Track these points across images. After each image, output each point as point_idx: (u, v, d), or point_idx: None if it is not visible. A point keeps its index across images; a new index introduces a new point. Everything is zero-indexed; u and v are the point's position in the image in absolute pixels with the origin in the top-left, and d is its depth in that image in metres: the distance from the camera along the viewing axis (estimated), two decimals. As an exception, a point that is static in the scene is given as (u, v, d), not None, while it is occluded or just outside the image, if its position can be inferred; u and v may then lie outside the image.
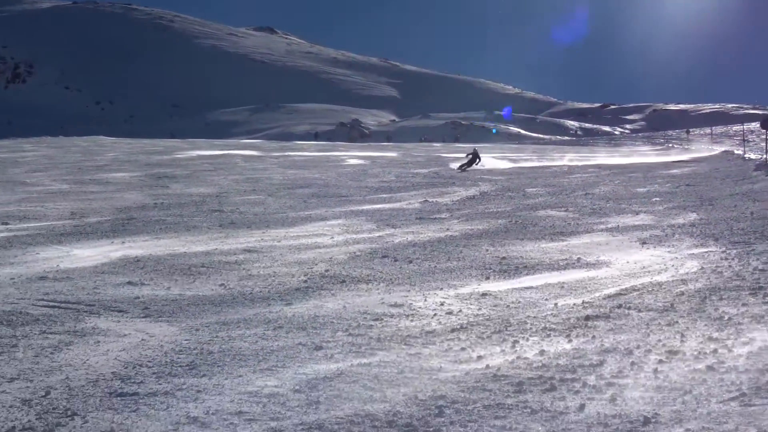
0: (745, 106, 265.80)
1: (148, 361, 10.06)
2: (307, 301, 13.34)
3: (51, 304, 13.45)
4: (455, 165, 53.11)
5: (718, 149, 74.36)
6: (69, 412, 8.36)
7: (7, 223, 24.07)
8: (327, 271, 15.76)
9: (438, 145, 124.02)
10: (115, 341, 11.14)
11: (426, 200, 30.43)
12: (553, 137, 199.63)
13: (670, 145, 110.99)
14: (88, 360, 10.22)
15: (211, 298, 13.77)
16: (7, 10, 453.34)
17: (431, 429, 7.55)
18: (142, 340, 11.13)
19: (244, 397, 8.63)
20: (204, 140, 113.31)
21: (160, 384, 9.19)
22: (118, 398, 8.74)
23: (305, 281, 14.91)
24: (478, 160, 52.97)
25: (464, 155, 53.64)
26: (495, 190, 35.06)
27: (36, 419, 8.18)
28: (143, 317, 12.48)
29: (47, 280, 15.37)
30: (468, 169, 51.29)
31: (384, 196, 32.74)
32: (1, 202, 31.04)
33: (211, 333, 11.43)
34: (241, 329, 11.56)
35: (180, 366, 9.85)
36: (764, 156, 44.30)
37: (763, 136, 54.15)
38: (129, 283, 14.97)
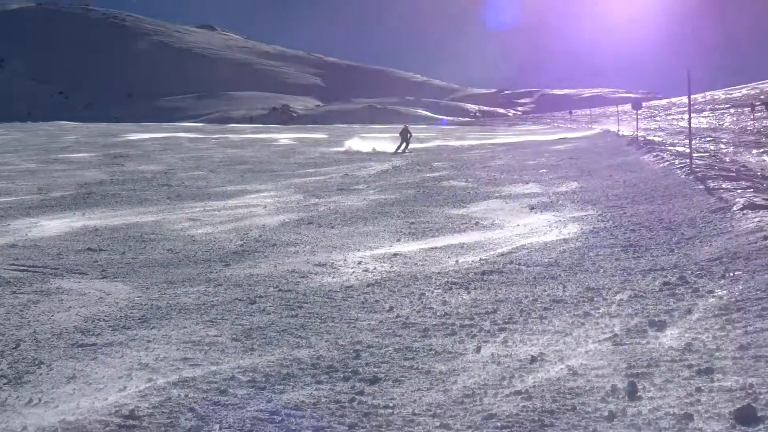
0: (620, 91, 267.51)
1: (105, 316, 10.02)
2: (243, 262, 13.34)
3: (20, 268, 13.37)
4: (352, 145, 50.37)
5: (597, 128, 74.88)
6: (36, 362, 8.32)
7: (-20, 199, 23.87)
8: (260, 236, 15.76)
9: (357, 126, 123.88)
10: (76, 299, 11.08)
11: (346, 174, 30.43)
12: (456, 118, 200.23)
13: (556, 124, 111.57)
14: (53, 316, 10.16)
15: (160, 260, 13.73)
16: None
17: (349, 369, 7.58)
18: (100, 298, 11.09)
19: (188, 345, 8.62)
20: (154, 124, 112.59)
21: (115, 336, 9.16)
22: (79, 348, 8.71)
23: (241, 245, 14.90)
24: (409, 136, 48.69)
25: (383, 136, 49.08)
26: (405, 164, 35.12)
27: (8, 368, 8.13)
28: (101, 278, 12.42)
29: (17, 248, 15.27)
30: (406, 150, 46.90)
31: (310, 170, 32.75)
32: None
33: (160, 291, 11.39)
34: (186, 287, 11.55)
35: (133, 320, 9.82)
36: (635, 133, 44.69)
37: (635, 116, 54.65)
38: (89, 249, 14.90)
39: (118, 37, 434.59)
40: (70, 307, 10.64)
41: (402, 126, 53.03)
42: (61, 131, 74.89)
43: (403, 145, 48.41)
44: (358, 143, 51.61)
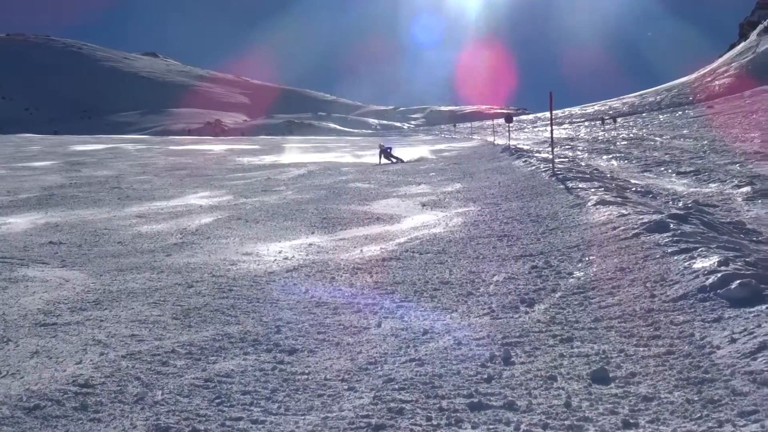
0: (495, 107, 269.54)
1: (65, 300, 9.87)
2: (182, 252, 13.21)
3: (-9, 259, 13.15)
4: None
5: (477, 138, 75.47)
6: (5, 339, 8.16)
7: (-43, 200, 23.46)
8: (197, 230, 15.62)
9: (278, 137, 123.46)
10: (39, 285, 10.91)
11: (269, 177, 30.30)
12: (360, 131, 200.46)
13: (443, 135, 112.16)
14: (19, 300, 9.98)
15: (112, 252, 13.55)
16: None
17: (272, 342, 7.55)
18: (60, 284, 10.92)
19: (135, 324, 8.52)
20: (106, 136, 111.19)
21: (73, 316, 9.03)
22: (42, 327, 8.57)
23: (181, 238, 14.76)
24: (390, 150, 41.30)
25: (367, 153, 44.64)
26: (318, 169, 35.02)
27: (-21, 345, 8.00)
28: (61, 267, 12.23)
29: (-12, 242, 15.02)
30: (389, 161, 40.14)
31: (239, 175, 32.55)
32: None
33: (111, 277, 11.25)
34: (134, 274, 11.41)
35: (88, 302, 9.68)
36: (507, 142, 45.11)
37: (507, 128, 55.19)
38: (50, 242, 14.66)
39: (75, 62, 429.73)
40: (34, 292, 10.47)
41: (378, 146, 44.25)
42: (26, 143, 73.64)
43: (390, 159, 41.24)
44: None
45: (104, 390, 6.54)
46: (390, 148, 42.54)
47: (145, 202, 21.54)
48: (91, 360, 7.33)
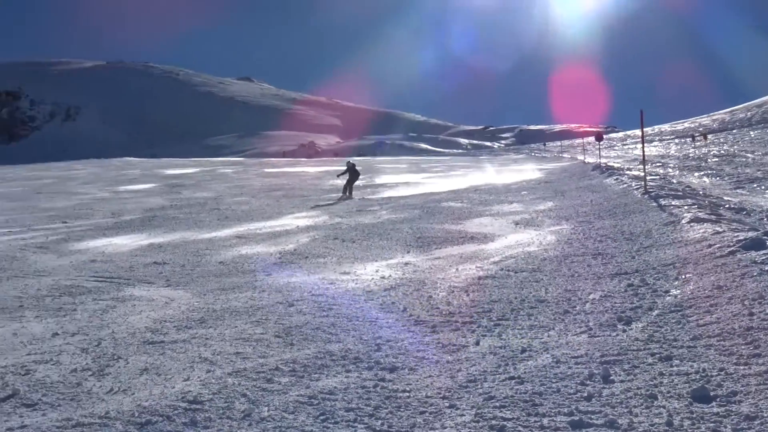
0: (584, 126, 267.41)
1: (171, 318, 10.03)
2: (282, 272, 13.33)
3: (99, 279, 13.39)
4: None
5: (567, 156, 74.97)
6: (115, 357, 8.33)
7: (66, 222, 23.96)
8: (295, 250, 15.75)
9: (369, 158, 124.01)
10: (146, 304, 11.10)
11: (363, 198, 30.45)
12: (450, 151, 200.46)
13: (533, 154, 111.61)
14: (127, 319, 10.17)
15: (214, 271, 13.73)
16: (59, 69, 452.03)
17: (372, 360, 7.58)
18: (166, 303, 11.10)
19: (239, 342, 8.62)
20: (204, 159, 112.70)
21: (179, 334, 9.17)
22: (150, 345, 8.72)
23: (280, 258, 14.89)
24: (356, 177, 33.54)
25: (340, 175, 35.19)
26: (405, 187, 35.06)
27: (92, 362, 8.15)
28: (166, 286, 12.44)
29: (96, 262, 15.31)
30: (348, 194, 32.16)
31: (333, 195, 32.77)
32: (62, 206, 30.85)
33: (214, 296, 11.40)
34: (236, 293, 11.54)
35: (193, 321, 9.82)
36: (598, 160, 44.71)
37: (597, 147, 54.70)
38: (155, 262, 14.92)
39: (173, 88, 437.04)
40: (141, 311, 10.66)
41: (346, 163, 35.87)
42: (128, 166, 75.10)
43: (347, 184, 33.27)
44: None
45: (212, 406, 6.63)
46: (357, 175, 34.40)
47: (244, 222, 21.78)
48: (198, 377, 7.44)
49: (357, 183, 34.04)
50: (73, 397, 7.14)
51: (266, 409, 6.51)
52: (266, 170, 61.44)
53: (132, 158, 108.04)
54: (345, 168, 34.42)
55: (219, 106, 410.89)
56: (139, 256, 16.02)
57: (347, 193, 32.65)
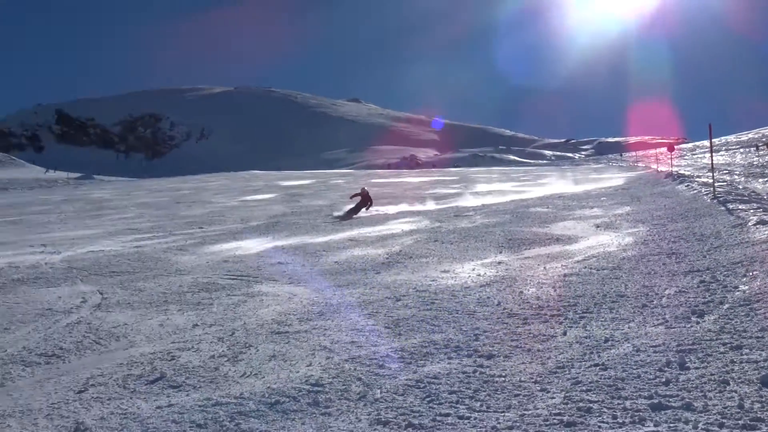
0: (657, 137, 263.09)
1: (294, 311, 10.15)
2: (389, 270, 13.37)
3: (232, 277, 13.61)
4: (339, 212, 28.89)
5: (642, 165, 73.81)
6: (247, 345, 8.47)
7: (201, 227, 24.41)
8: (401, 251, 15.78)
9: (464, 169, 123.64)
10: (272, 299, 11.25)
11: (458, 205, 30.36)
12: (536, 161, 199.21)
13: (610, 164, 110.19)
14: (257, 312, 10.32)
15: (330, 270, 13.84)
16: (194, 94, 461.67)
17: (471, 348, 7.59)
18: (289, 297, 11.23)
19: (354, 332, 8.70)
20: (319, 171, 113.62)
21: (301, 325, 9.28)
22: (276, 335, 8.84)
23: (387, 258, 14.93)
24: (369, 203, 28.82)
25: (353, 197, 30.14)
26: (495, 195, 34.85)
27: (227, 350, 8.30)
28: (289, 283, 12.57)
29: (229, 262, 15.55)
30: (356, 215, 27.43)
31: (433, 201, 32.75)
32: (198, 214, 31.42)
33: (331, 292, 11.49)
34: (350, 289, 11.63)
35: (314, 314, 9.93)
36: (670, 169, 44.03)
37: (669, 156, 53.84)
38: (279, 262, 15.10)
39: (292, 109, 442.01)
40: (269, 305, 10.81)
41: (361, 189, 30.65)
42: (253, 178, 76.05)
43: (358, 209, 28.24)
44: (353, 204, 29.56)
45: (332, 388, 6.71)
46: (370, 201, 29.07)
47: (355, 227, 21.88)
48: (319, 363, 7.53)
49: (363, 211, 27.85)
50: (212, 380, 7.28)
51: (379, 391, 6.56)
52: (374, 180, 61.69)
53: (257, 171, 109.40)
54: (359, 192, 29.39)
55: (332, 124, 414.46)
56: (265, 257, 16.24)
57: (350, 214, 27.11)
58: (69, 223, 28.99)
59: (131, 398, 6.97)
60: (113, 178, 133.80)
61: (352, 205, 28.24)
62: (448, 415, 5.92)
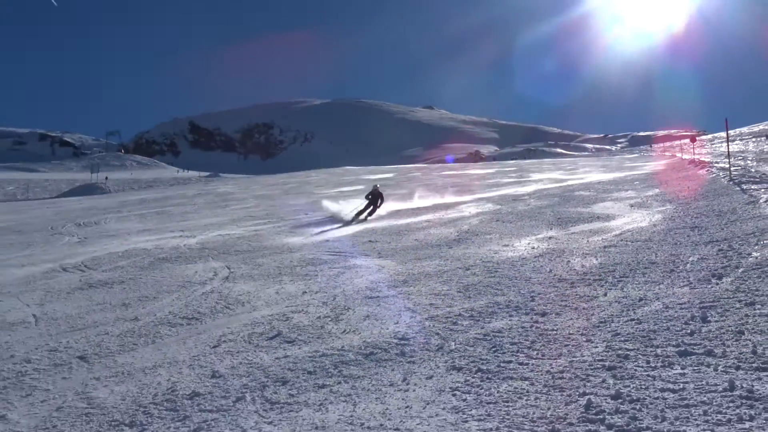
0: (681, 131, 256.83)
1: (383, 280, 10.22)
2: (459, 245, 13.33)
3: (332, 253, 13.74)
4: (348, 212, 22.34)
5: (668, 155, 72.21)
6: (346, 307, 8.58)
7: (306, 214, 24.60)
8: (468, 230, 15.71)
9: (519, 161, 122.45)
10: (365, 270, 11.34)
11: (516, 191, 30.08)
12: (579, 153, 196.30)
13: (641, 154, 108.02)
14: (353, 281, 10.43)
15: (411, 246, 13.85)
16: (299, 106, 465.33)
17: (528, 308, 7.58)
18: (379, 269, 11.31)
19: (432, 296, 8.74)
20: (400, 166, 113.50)
21: (389, 291, 9.35)
22: (369, 299, 8.93)
23: (458, 235, 14.88)
24: (380, 201, 22.67)
25: (367, 196, 22.91)
26: (546, 182, 34.46)
27: (330, 312, 8.42)
28: (378, 258, 12.64)
29: (329, 242, 15.70)
30: (368, 217, 21.58)
31: (494, 188, 32.48)
32: (303, 203, 31.69)
33: (412, 264, 11.53)
34: (428, 261, 11.65)
35: (398, 282, 9.99)
36: (693, 157, 43.05)
37: (692, 146, 52.66)
38: (370, 241, 15.16)
39: (378, 116, 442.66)
40: (362, 275, 10.90)
41: (372, 187, 23.58)
42: (346, 173, 76.39)
43: (368, 209, 22.16)
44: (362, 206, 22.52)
45: (415, 342, 6.77)
46: (380, 198, 22.45)
47: (431, 212, 21.82)
48: (404, 321, 7.60)
49: (380, 211, 22.13)
50: (319, 336, 7.40)
51: (453, 343, 6.60)
52: (444, 173, 61.42)
53: (349, 167, 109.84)
54: (371, 191, 22.51)
55: (410, 127, 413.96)
56: (358, 236, 16.33)
57: (364, 216, 21.22)
58: (201, 213, 29.56)
59: (255, 351, 7.14)
60: (235, 175, 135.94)
61: (361, 207, 21.75)
62: (510, 362, 5.94)
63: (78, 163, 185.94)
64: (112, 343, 8.12)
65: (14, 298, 11.57)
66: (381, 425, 5.00)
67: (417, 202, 26.47)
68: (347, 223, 19.94)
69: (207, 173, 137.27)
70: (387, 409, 5.28)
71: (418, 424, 4.94)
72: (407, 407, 5.26)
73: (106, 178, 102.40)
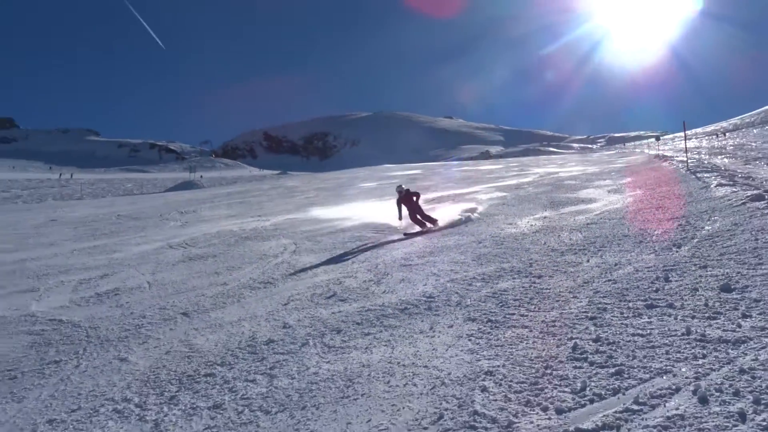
0: (649, 132, 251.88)
1: (414, 252, 10.20)
2: (474, 225, 13.21)
3: (374, 231, 13.79)
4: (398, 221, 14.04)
5: (638, 151, 70.97)
6: (385, 273, 8.60)
7: (354, 201, 24.60)
8: (481, 212, 15.41)
9: (520, 158, 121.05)
10: (399, 245, 11.36)
11: (519, 181, 29.76)
12: (566, 152, 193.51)
13: (616, 151, 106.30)
14: (391, 253, 10.45)
15: (435, 229, 13.80)
16: (348, 118, 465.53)
17: (527, 272, 7.52)
18: (411, 244, 11.32)
19: (451, 264, 8.71)
20: (430, 163, 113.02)
21: (419, 260, 9.34)
22: (404, 267, 8.94)
23: (470, 217, 14.75)
24: (416, 198, 13.98)
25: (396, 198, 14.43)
26: (541, 174, 34.10)
27: (373, 277, 8.45)
28: (406, 244, 12.61)
29: (373, 222, 15.63)
30: (424, 226, 13.47)
31: (500, 179, 32.08)
32: (352, 193, 31.66)
33: (437, 239, 11.46)
34: (447, 237, 11.55)
35: (426, 253, 9.96)
36: (657, 152, 42.28)
37: (657, 144, 51.77)
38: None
39: (409, 125, 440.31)
40: (398, 248, 10.91)
41: (397, 192, 14.41)
42: (386, 169, 76.21)
43: (416, 221, 13.64)
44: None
45: (439, 299, 6.77)
46: (415, 195, 14.22)
47: (450, 199, 21.72)
48: (431, 283, 7.60)
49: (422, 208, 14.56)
50: (365, 295, 7.44)
51: (469, 300, 6.59)
52: (462, 169, 61.07)
53: (388, 164, 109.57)
54: (397, 199, 14.15)
55: (434, 133, 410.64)
56: (393, 219, 16.30)
57: (426, 225, 13.59)
58: (273, 202, 29.75)
59: (315, 307, 7.20)
60: (299, 173, 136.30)
61: (402, 222, 13.78)
62: (513, 314, 5.92)
63: (179, 165, 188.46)
64: (206, 303, 8.25)
65: (133, 269, 11.81)
66: (413, 363, 5.04)
67: (439, 192, 26.30)
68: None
69: (277, 171, 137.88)
70: (417, 351, 5.31)
71: (442, 363, 4.97)
72: (433, 349, 5.28)
73: (201, 176, 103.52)
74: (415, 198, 14.05)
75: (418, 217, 13.72)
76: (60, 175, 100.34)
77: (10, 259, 14.58)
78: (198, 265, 11.48)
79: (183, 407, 4.80)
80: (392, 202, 17.66)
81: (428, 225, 13.57)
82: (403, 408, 4.26)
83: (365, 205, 22.12)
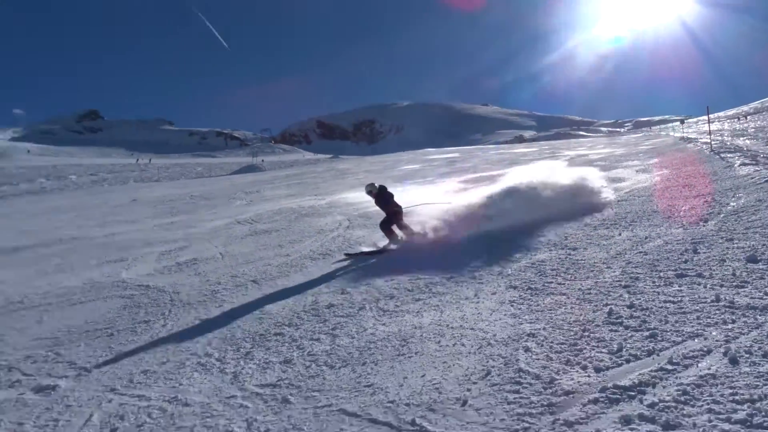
0: (674, 117, 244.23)
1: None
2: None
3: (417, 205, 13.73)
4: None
5: (663, 134, 68.91)
6: (432, 246, 8.54)
7: (402, 181, 24.46)
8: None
9: (552, 141, 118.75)
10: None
11: (551, 163, 29.14)
12: (596, 135, 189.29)
13: (643, 134, 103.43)
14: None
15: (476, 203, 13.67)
16: (394, 107, 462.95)
17: (563, 244, 7.40)
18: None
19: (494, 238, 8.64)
20: (465, 147, 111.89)
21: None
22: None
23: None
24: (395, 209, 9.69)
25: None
26: (572, 156, 33.34)
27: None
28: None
29: (424, 199, 15.62)
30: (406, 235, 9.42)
31: (534, 161, 31.55)
32: (397, 174, 31.53)
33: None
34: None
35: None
36: (683, 135, 41.01)
37: (681, 127, 50.16)
38: (446, 202, 14.98)
39: (451, 114, 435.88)
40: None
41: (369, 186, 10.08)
42: (426, 153, 75.67)
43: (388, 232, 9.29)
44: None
45: (483, 270, 6.72)
46: (388, 197, 9.84)
47: (487, 179, 21.45)
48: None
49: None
50: (415, 266, 7.43)
51: (510, 269, 6.55)
52: (499, 151, 60.26)
53: (430, 149, 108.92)
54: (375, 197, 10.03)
55: (473, 119, 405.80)
56: (435, 198, 16.14)
57: (400, 236, 9.41)
58: (328, 182, 29.92)
59: (370, 276, 7.26)
60: (350, 156, 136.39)
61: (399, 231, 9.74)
62: (551, 282, 5.86)
63: (243, 151, 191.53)
64: (273, 271, 8.40)
65: (207, 242, 12.08)
66: (460, 326, 5.04)
67: (478, 173, 25.96)
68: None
69: (330, 155, 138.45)
70: (464, 315, 5.31)
71: (487, 325, 4.96)
72: (479, 314, 5.27)
73: (263, 160, 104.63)
74: (391, 200, 9.83)
75: (393, 225, 9.46)
76: (137, 160, 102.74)
77: (100, 234, 15.08)
78: (263, 239, 11.67)
79: (257, 362, 4.92)
80: (432, 184, 17.49)
81: (401, 237, 9.38)
82: (454, 365, 4.28)
83: (413, 184, 22.01)
